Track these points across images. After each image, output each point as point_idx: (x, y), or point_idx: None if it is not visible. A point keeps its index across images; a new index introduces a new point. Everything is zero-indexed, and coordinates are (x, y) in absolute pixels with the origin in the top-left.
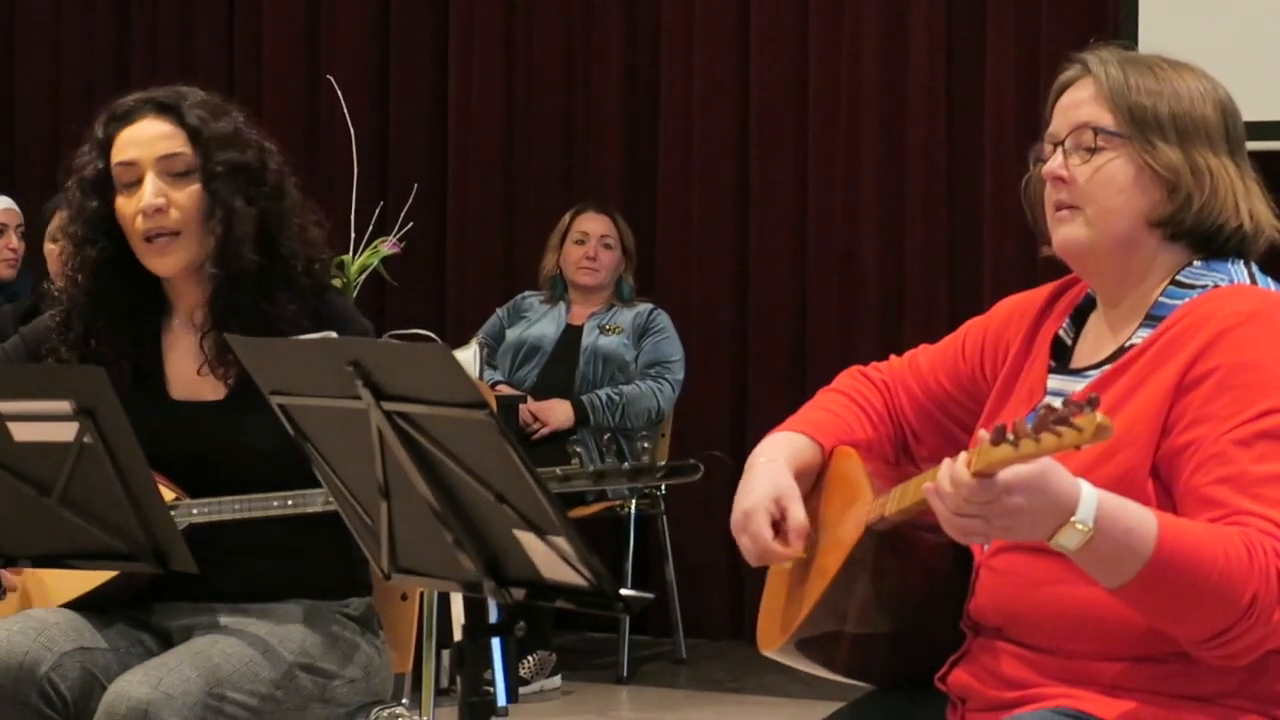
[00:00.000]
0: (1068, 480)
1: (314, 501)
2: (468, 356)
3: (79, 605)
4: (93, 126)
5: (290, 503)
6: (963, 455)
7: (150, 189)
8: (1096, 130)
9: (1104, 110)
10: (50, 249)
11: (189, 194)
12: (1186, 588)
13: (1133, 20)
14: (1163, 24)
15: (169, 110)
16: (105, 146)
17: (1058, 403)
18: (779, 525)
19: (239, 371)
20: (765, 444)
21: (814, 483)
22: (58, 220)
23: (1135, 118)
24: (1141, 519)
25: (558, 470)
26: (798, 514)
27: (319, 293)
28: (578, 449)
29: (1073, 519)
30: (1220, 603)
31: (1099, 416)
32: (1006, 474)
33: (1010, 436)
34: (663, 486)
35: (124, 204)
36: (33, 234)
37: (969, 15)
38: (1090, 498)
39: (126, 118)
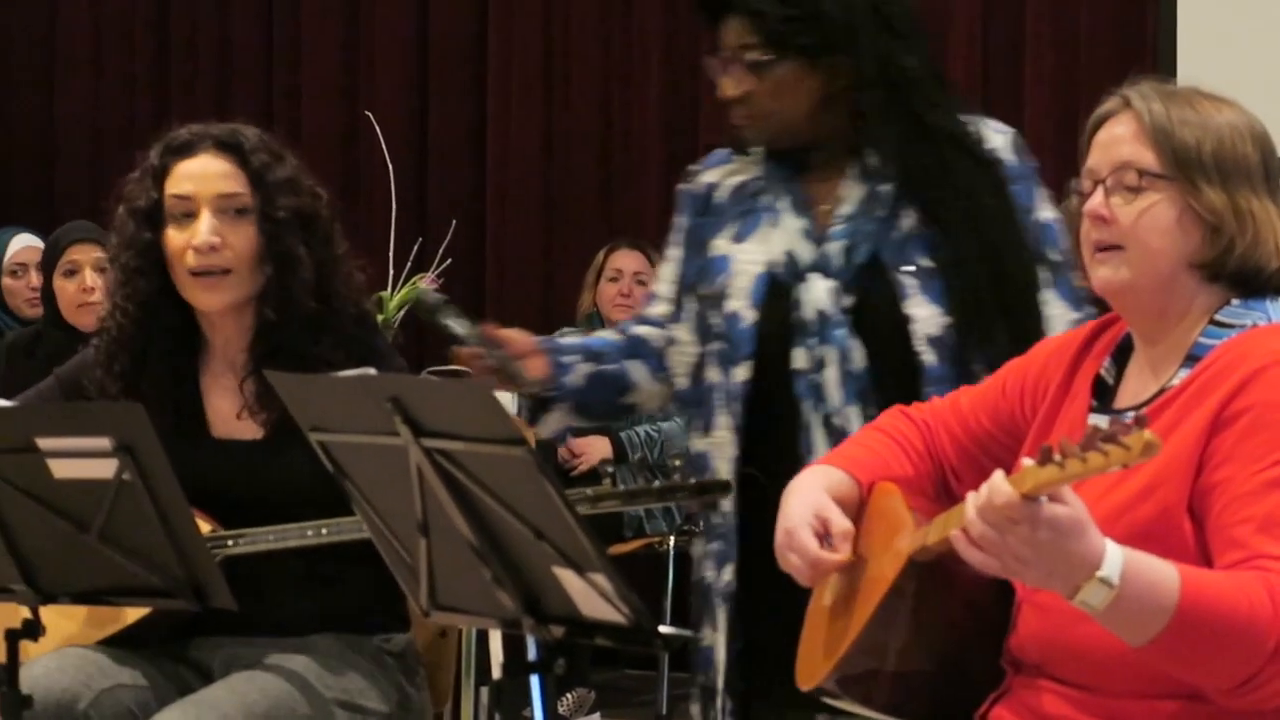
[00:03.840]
0: (1098, 537)
1: (348, 530)
2: (506, 393)
3: (117, 641)
4: (147, 154)
5: (325, 531)
6: (1000, 473)
7: (206, 226)
8: (1141, 171)
9: (1146, 149)
10: (63, 285)
11: (244, 235)
12: (1211, 639)
13: (1170, 54)
14: (1201, 58)
15: (230, 149)
16: (160, 176)
17: (1104, 422)
18: (822, 538)
19: (278, 416)
20: (801, 476)
21: (853, 517)
22: (83, 254)
23: (1179, 158)
24: (1164, 574)
25: (588, 491)
26: (840, 521)
27: (365, 337)
28: (609, 469)
29: (1098, 574)
30: (1245, 651)
31: (1147, 434)
32: (1049, 509)
33: (1057, 457)
34: (701, 523)
35: (174, 236)
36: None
37: (1005, 52)
38: (1116, 554)
39: (185, 150)
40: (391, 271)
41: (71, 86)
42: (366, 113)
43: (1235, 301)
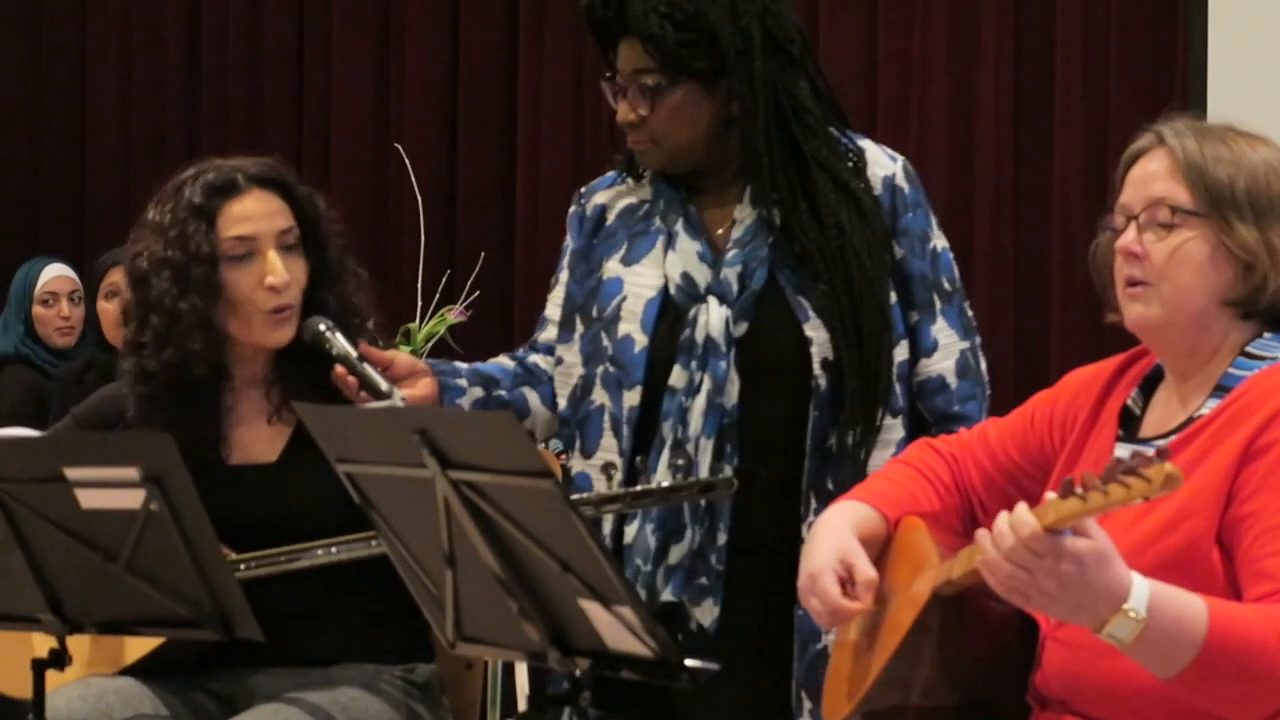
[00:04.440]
0: (1123, 570)
1: (359, 548)
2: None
3: (140, 669)
4: (181, 194)
5: (335, 550)
6: (1023, 505)
7: (279, 264)
8: (1174, 208)
9: (1180, 186)
10: (104, 307)
11: (300, 267)
12: (1239, 672)
13: (1201, 88)
14: (1232, 93)
15: (273, 185)
16: (210, 218)
17: (1126, 454)
18: (846, 584)
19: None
20: (828, 512)
21: (880, 553)
22: (117, 277)
23: (1212, 195)
24: (1192, 606)
25: (592, 495)
26: (865, 569)
27: None
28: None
29: (1125, 606)
30: (1274, 685)
31: (1168, 466)
32: (1072, 542)
33: (1078, 490)
34: None
35: (242, 277)
36: (92, 293)
37: (1036, 86)
38: (1142, 586)
39: (231, 190)
40: (420, 303)
41: (101, 119)
42: (396, 145)
43: (1267, 334)
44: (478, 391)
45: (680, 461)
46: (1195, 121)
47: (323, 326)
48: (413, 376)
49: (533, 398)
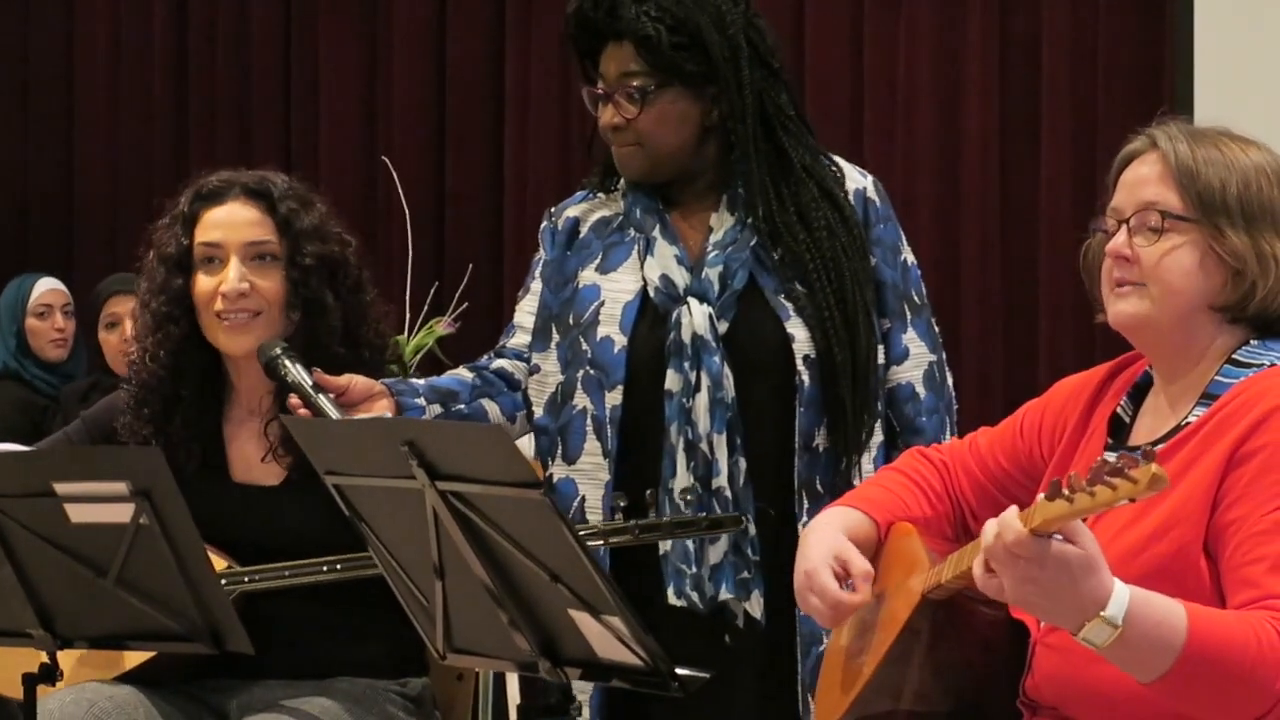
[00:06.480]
0: (1107, 577)
1: (362, 566)
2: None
3: (136, 676)
4: (174, 200)
5: (340, 567)
6: (1013, 509)
7: (235, 273)
8: (1164, 213)
9: (1171, 191)
10: (105, 338)
11: (272, 280)
12: (1218, 678)
13: (1188, 95)
14: (1218, 100)
15: (259, 197)
16: (190, 223)
17: (1112, 457)
18: (842, 580)
19: (301, 458)
20: (819, 517)
21: (871, 558)
22: (123, 306)
23: (1203, 201)
24: (1172, 612)
25: (600, 527)
26: (860, 563)
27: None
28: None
29: (1102, 614)
30: (1253, 691)
31: (1154, 467)
32: (1060, 548)
33: (1065, 491)
34: None
35: (203, 282)
36: (88, 318)
37: (1023, 95)
38: (1123, 592)
39: (215, 197)
40: (408, 316)
41: (89, 134)
42: (383, 158)
43: (1254, 341)
44: (436, 408)
45: (694, 462)
46: (1188, 125)
47: (277, 351)
48: (370, 399)
49: (492, 409)
